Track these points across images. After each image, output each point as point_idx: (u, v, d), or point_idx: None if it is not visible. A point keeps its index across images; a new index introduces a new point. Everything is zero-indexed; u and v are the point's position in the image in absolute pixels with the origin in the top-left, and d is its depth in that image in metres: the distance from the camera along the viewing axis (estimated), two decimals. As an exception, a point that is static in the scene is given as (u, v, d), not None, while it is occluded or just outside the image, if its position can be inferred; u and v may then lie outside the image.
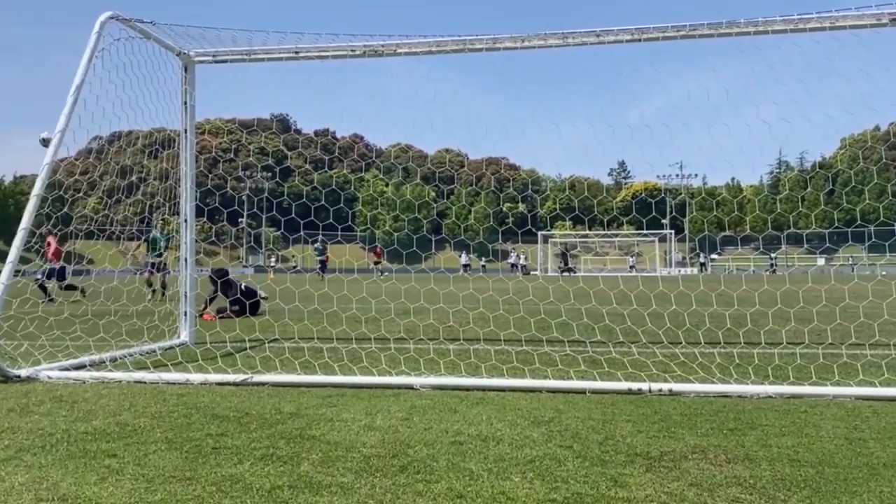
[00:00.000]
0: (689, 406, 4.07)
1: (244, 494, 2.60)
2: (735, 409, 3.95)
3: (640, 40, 6.11)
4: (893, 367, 5.18)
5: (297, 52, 6.65)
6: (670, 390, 4.38)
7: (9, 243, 5.31)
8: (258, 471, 2.88)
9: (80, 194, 8.89)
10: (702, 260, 63.27)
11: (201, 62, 6.98)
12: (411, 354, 6.04)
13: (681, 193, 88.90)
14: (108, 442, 3.33)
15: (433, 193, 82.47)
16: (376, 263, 42.76)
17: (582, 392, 4.46)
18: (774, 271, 47.94)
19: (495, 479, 2.77)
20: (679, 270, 60.09)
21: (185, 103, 6.97)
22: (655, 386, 4.43)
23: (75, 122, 5.68)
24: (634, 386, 4.45)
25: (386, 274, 36.50)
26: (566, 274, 42.50)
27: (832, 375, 4.82)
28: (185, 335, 7.03)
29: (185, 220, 7.02)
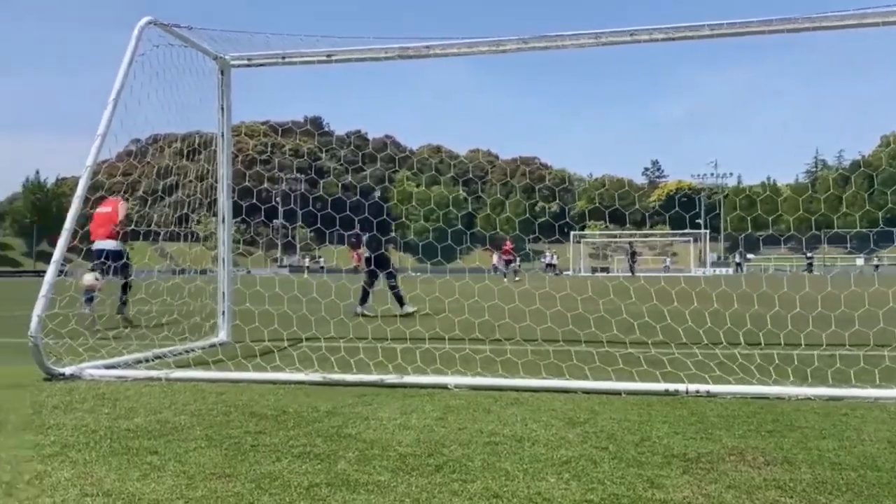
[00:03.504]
0: (727, 407, 4.02)
1: (282, 492, 2.63)
2: (773, 411, 3.90)
3: (673, 39, 6.05)
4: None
5: (329, 56, 6.70)
6: (707, 391, 4.34)
7: (53, 244, 5.45)
8: (296, 468, 2.92)
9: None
10: (737, 260, 62.45)
11: (237, 65, 7.08)
12: (447, 351, 6.05)
13: (716, 192, 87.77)
14: (149, 439, 3.39)
15: (464, 193, 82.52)
16: (508, 262, 33.72)
17: (618, 393, 4.43)
18: (812, 271, 47.14)
19: (531, 479, 2.77)
20: (714, 270, 59.36)
21: (222, 106, 7.08)
22: (692, 387, 4.38)
23: (116, 126, 5.80)
24: (671, 387, 4.41)
25: (518, 276, 31.72)
26: (634, 275, 40.97)
27: (873, 378, 4.73)
28: (223, 334, 7.13)
29: (223, 221, 7.13)
